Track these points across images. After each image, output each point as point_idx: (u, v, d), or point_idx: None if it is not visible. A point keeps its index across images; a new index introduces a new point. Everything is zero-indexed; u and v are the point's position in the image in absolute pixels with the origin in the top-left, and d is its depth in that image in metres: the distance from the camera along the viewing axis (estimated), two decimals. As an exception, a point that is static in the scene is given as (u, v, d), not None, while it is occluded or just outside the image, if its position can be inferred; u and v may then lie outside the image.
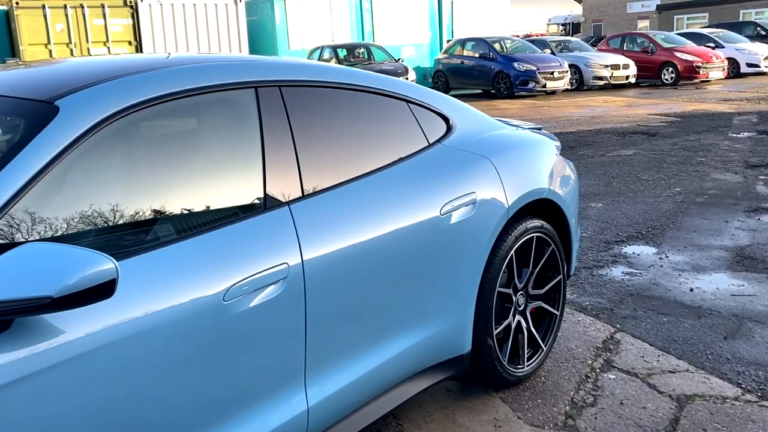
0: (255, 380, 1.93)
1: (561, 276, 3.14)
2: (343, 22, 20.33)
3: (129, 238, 1.76)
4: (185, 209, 1.88)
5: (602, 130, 10.96)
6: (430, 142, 2.71)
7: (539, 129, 3.52)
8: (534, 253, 2.97)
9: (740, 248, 4.81)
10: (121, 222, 1.76)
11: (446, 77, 19.33)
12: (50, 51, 15.98)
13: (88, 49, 16.28)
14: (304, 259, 2.02)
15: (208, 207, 1.92)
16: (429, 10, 21.77)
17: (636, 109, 13.71)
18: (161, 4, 17.08)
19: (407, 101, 2.70)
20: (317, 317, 2.07)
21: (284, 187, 2.10)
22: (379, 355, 2.33)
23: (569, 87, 18.25)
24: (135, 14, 16.81)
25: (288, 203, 2.09)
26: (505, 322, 2.89)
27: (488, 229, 2.67)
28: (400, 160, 2.53)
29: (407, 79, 16.13)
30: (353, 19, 20.51)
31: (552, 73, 17.21)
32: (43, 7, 15.90)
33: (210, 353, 1.80)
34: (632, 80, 19.11)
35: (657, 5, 38.36)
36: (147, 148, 1.90)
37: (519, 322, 2.96)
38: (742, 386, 2.96)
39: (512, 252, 2.82)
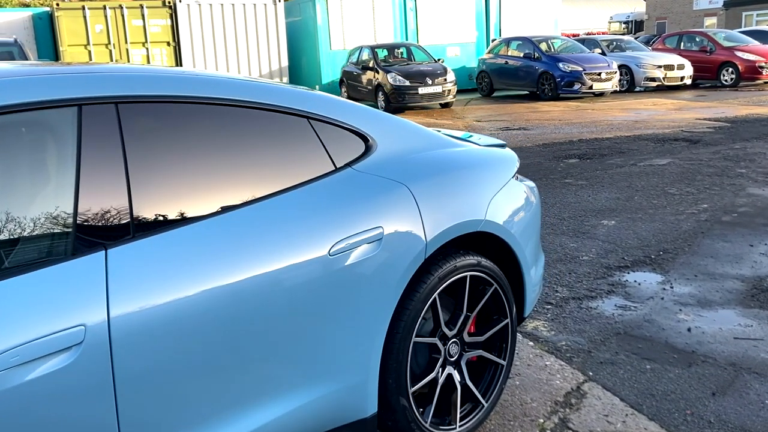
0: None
1: (508, 320, 2.70)
2: (386, 22, 19.96)
3: None
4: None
5: (641, 136, 10.27)
6: (338, 167, 2.30)
7: (503, 146, 3.08)
8: (469, 294, 2.54)
9: (759, 279, 4.22)
10: None
11: (490, 78, 18.72)
12: (89, 52, 16.14)
13: (127, 50, 16.37)
14: (111, 317, 1.65)
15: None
16: (475, 9, 21.19)
17: (684, 113, 12.89)
18: (200, 5, 17.05)
19: (309, 118, 2.30)
20: (134, 390, 1.70)
21: (104, 229, 1.74)
22: (238, 426, 1.95)
23: (618, 89, 17.41)
24: (173, 15, 16.82)
25: (106, 248, 1.73)
26: (430, 376, 2.47)
27: (397, 269, 2.25)
28: (286, 190, 2.14)
29: (446, 80, 15.62)
30: (396, 19, 20.11)
31: (599, 74, 16.42)
32: (83, 8, 16.06)
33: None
34: (687, 81, 18.09)
35: (724, 1, 36.62)
36: None
37: (450, 376, 2.53)
38: (719, 461, 2.46)
39: (435, 295, 2.40)
